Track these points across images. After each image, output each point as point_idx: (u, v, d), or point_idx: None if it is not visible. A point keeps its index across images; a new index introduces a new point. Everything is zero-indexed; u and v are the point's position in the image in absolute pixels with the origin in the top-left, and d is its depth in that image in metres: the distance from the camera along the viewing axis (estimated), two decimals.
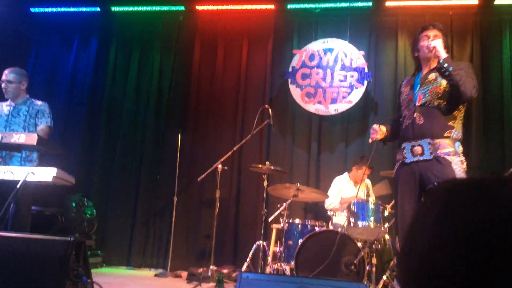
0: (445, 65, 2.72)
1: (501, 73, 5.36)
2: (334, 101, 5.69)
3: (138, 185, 5.98)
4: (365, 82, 5.65)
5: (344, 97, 5.68)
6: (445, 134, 2.78)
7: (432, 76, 2.90)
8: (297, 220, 4.63)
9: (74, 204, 5.38)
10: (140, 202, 5.94)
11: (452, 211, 0.74)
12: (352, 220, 4.37)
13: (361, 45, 5.77)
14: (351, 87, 5.68)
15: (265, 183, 4.74)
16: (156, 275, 5.07)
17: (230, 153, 4.74)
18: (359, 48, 5.73)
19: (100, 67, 6.40)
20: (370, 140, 3.09)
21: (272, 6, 6.06)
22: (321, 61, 5.80)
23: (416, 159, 2.80)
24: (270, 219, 4.70)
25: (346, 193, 5.03)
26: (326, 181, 5.38)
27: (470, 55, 5.48)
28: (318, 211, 5.59)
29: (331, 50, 5.80)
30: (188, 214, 5.78)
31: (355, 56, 5.71)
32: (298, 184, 4.59)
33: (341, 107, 5.67)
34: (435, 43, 2.80)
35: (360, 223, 4.27)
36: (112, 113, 6.24)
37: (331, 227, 4.44)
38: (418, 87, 2.90)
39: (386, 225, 4.32)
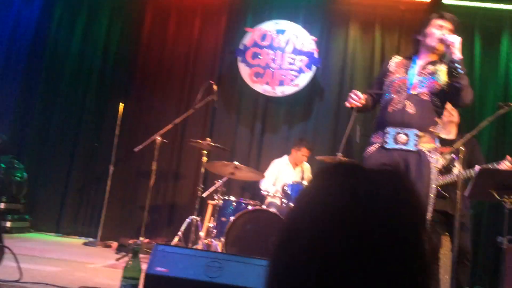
0: (459, 66, 2.61)
1: None
2: (281, 83, 5.71)
3: (74, 151, 5.80)
4: (314, 68, 5.70)
5: (292, 80, 5.71)
6: (430, 129, 2.75)
7: (431, 68, 2.80)
8: (232, 198, 4.65)
9: (3, 166, 5.15)
10: (75, 168, 5.77)
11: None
12: (285, 201, 4.46)
13: (313, 30, 5.79)
14: (300, 71, 5.71)
15: (204, 159, 4.71)
16: (84, 244, 4.97)
17: (170, 126, 4.66)
18: (311, 33, 5.75)
19: (43, 25, 6.09)
20: (347, 104, 2.87)
21: None
22: (273, 42, 5.78)
23: (398, 146, 2.72)
24: (204, 195, 4.69)
25: (284, 176, 5.10)
26: (266, 162, 5.42)
27: None
28: (256, 191, 5.63)
29: (283, 32, 5.78)
30: (125, 185, 5.67)
31: (306, 40, 5.73)
32: (236, 162, 4.60)
33: (288, 89, 5.70)
34: (455, 39, 2.64)
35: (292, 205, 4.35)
36: (52, 75, 5.98)
37: (264, 207, 4.49)
38: (415, 75, 2.79)
39: None
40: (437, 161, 2.74)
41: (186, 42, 5.98)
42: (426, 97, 2.71)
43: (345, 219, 0.66)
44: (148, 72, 5.97)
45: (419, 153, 2.68)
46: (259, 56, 5.76)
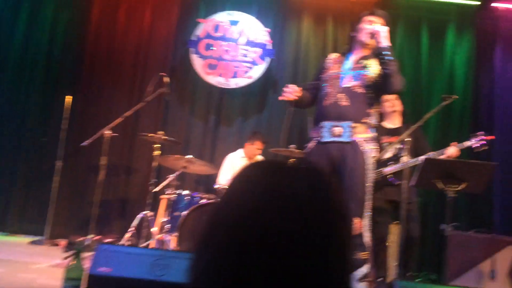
0: (388, 52, 2.72)
1: None
2: (235, 75, 5.67)
3: (19, 146, 5.55)
4: (267, 59, 5.69)
5: (245, 72, 5.68)
6: (364, 120, 2.83)
7: (364, 62, 2.89)
8: (185, 192, 4.59)
9: None
10: (20, 164, 5.52)
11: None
12: None
13: (267, 22, 5.77)
14: (253, 62, 5.69)
15: (156, 152, 4.62)
16: (31, 243, 4.78)
17: (119, 119, 4.52)
18: (265, 25, 5.74)
19: None
20: (280, 98, 2.93)
21: None
22: (226, 33, 5.72)
23: (333, 139, 2.79)
24: (155, 190, 4.61)
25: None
26: (221, 155, 5.38)
27: None
28: (211, 184, 5.59)
29: (236, 23, 5.73)
30: (74, 180, 5.49)
31: (260, 32, 5.71)
32: (189, 156, 4.54)
33: (242, 81, 5.67)
34: (381, 28, 2.77)
35: None
36: None
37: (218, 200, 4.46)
38: (348, 69, 2.88)
39: None
40: (372, 150, 2.82)
41: (136, 33, 5.82)
42: (358, 90, 2.81)
43: (262, 215, 0.67)
44: (97, 64, 5.77)
45: (354, 143, 2.77)
46: (212, 47, 5.68)
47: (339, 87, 2.83)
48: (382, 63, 2.75)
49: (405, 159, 3.78)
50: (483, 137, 3.62)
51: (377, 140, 2.96)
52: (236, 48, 5.70)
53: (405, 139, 3.77)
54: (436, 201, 5.22)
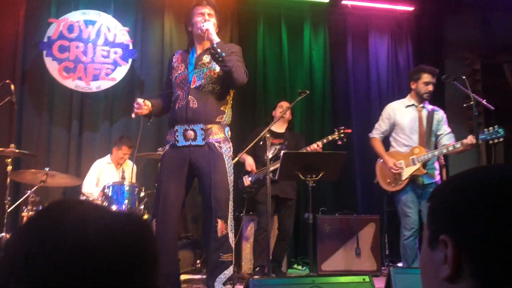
0: (218, 50, 2.63)
1: (256, 62, 5.78)
2: (96, 77, 5.35)
3: None
4: (130, 60, 5.47)
5: (107, 74, 5.39)
6: (217, 120, 2.79)
7: (206, 58, 2.85)
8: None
9: None
10: None
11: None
12: (106, 204, 4.21)
13: (126, 21, 5.53)
14: (115, 64, 5.42)
15: (9, 168, 4.18)
16: None
17: None
18: (124, 24, 5.49)
19: None
20: (133, 115, 2.86)
21: None
22: (82, 33, 5.36)
23: (188, 143, 2.75)
24: (9, 210, 4.17)
25: (106, 176, 4.83)
26: (88, 162, 5.07)
27: (229, 42, 5.78)
28: (78, 196, 5.24)
29: (93, 22, 5.40)
30: None
31: (119, 32, 5.45)
32: (47, 169, 4.20)
33: (104, 84, 5.38)
34: (207, 25, 2.68)
35: (114, 207, 4.15)
36: None
37: None
38: (193, 68, 2.81)
39: (142, 206, 4.32)
40: (228, 149, 2.83)
41: None
42: (206, 89, 2.78)
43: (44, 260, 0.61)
44: None
45: (208, 146, 2.75)
46: (67, 49, 5.29)
47: (188, 89, 2.78)
48: (218, 61, 2.72)
49: None
50: (342, 131, 3.94)
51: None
52: (95, 49, 5.38)
53: (286, 141, 4.41)
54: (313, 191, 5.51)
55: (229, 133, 2.89)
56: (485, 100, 3.49)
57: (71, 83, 5.27)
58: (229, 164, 2.80)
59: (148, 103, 2.84)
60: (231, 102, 2.93)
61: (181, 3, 5.72)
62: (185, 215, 5.36)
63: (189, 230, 5.35)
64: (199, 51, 2.88)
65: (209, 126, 2.76)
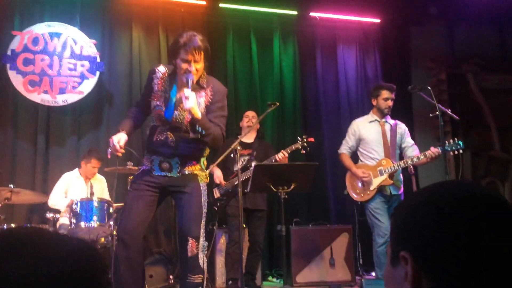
0: (199, 129, 2.63)
1: (226, 73, 5.78)
2: (63, 91, 5.23)
3: None
4: (98, 73, 5.37)
5: (74, 87, 5.27)
6: (194, 154, 2.82)
7: (190, 103, 2.69)
8: (12, 225, 4.10)
9: None
10: None
11: None
12: (74, 221, 4.09)
13: (93, 33, 5.44)
14: (82, 76, 5.31)
15: None
16: None
17: None
18: (91, 36, 5.39)
19: None
20: (108, 155, 2.82)
21: None
22: (47, 46, 5.24)
23: (163, 174, 2.78)
24: None
25: (75, 189, 4.71)
26: (55, 177, 4.92)
27: None
28: (45, 213, 5.08)
29: (58, 35, 5.28)
30: None
31: (86, 44, 5.35)
32: (11, 186, 4.06)
33: (71, 97, 5.26)
34: (189, 104, 2.52)
35: (83, 224, 4.04)
36: None
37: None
38: (173, 109, 2.76)
39: (111, 222, 4.21)
40: (204, 176, 2.86)
41: None
42: (186, 130, 2.75)
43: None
44: None
45: (183, 176, 2.79)
46: (32, 62, 5.16)
47: (167, 125, 2.76)
48: (195, 133, 2.70)
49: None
50: (305, 139, 3.99)
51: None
52: (61, 62, 5.26)
53: (254, 151, 4.42)
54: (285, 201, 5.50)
55: (205, 163, 2.93)
56: (450, 110, 3.60)
57: (37, 97, 5.13)
58: (203, 187, 2.82)
59: (122, 143, 2.72)
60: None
61: (149, 14, 5.69)
62: (158, 230, 5.27)
63: (162, 245, 5.25)
64: (179, 91, 2.78)
65: (184, 159, 2.79)
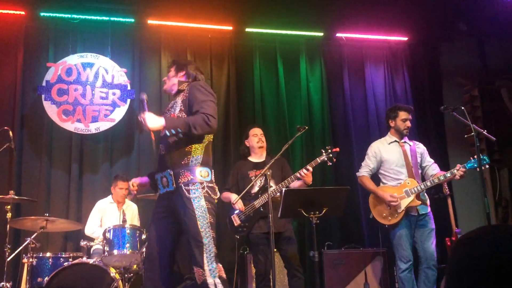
0: (172, 131, 2.67)
1: (253, 96, 5.82)
2: (95, 119, 5.36)
3: None
4: (128, 100, 5.48)
5: (106, 115, 5.40)
6: (183, 162, 2.77)
7: (170, 104, 2.97)
8: (48, 254, 4.17)
9: None
10: None
11: None
12: (107, 248, 4.13)
13: (123, 62, 5.59)
14: (114, 104, 5.44)
15: (8, 215, 4.13)
16: None
17: None
18: (121, 65, 5.54)
19: None
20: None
21: (22, 12, 5.40)
22: (80, 76, 5.40)
23: (165, 190, 2.81)
24: (9, 258, 4.08)
25: (109, 216, 4.78)
26: (89, 204, 5.03)
27: (227, 77, 5.83)
28: (79, 240, 5.16)
29: (90, 65, 5.44)
30: None
31: (117, 73, 5.49)
32: (47, 215, 4.15)
33: (103, 125, 5.38)
34: (148, 124, 2.68)
35: (116, 251, 4.07)
36: None
37: (84, 259, 4.11)
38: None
39: (144, 249, 4.22)
40: (199, 191, 2.77)
41: None
42: (170, 136, 2.76)
43: None
44: None
45: (178, 191, 2.77)
46: (66, 92, 5.32)
47: (160, 137, 2.87)
48: (176, 135, 2.75)
49: (272, 188, 3.89)
50: (329, 150, 3.84)
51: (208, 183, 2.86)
52: (93, 91, 5.40)
53: (269, 171, 3.84)
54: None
55: (202, 172, 2.80)
56: (486, 130, 3.48)
57: (70, 126, 5.27)
58: (200, 206, 2.73)
59: (135, 184, 3.01)
60: (205, 144, 2.88)
61: (177, 41, 5.81)
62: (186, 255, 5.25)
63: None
64: (171, 100, 3.04)
65: (176, 170, 2.76)
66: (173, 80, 3.07)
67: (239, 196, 3.80)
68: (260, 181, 4.06)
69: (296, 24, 5.94)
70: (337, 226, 5.60)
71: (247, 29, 5.86)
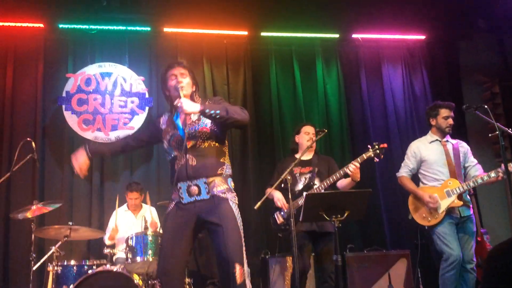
0: (212, 112, 2.59)
1: (270, 100, 5.82)
2: (115, 127, 5.42)
3: None
4: (147, 108, 5.54)
5: (125, 124, 5.46)
6: (218, 172, 2.75)
7: (194, 116, 2.78)
8: (72, 262, 4.22)
9: None
10: None
11: None
12: (130, 255, 4.16)
13: (141, 70, 5.65)
14: (133, 112, 5.50)
15: (33, 224, 4.20)
16: None
17: None
18: (139, 73, 5.60)
19: None
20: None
21: (41, 25, 5.51)
22: (99, 86, 5.48)
23: (193, 199, 2.71)
24: (35, 267, 4.14)
25: (125, 224, 4.83)
26: (111, 211, 5.07)
27: (243, 82, 5.84)
28: (102, 248, 5.22)
29: (109, 74, 5.52)
30: None
31: (135, 81, 5.55)
32: (71, 223, 4.20)
33: (123, 133, 5.43)
34: (183, 102, 2.57)
35: (139, 258, 4.10)
36: None
37: (108, 266, 4.14)
38: (183, 128, 2.76)
39: None
40: (234, 197, 2.77)
41: None
42: (203, 146, 2.73)
43: None
44: None
45: (213, 198, 2.70)
46: (85, 102, 5.39)
47: (185, 149, 2.73)
48: (214, 119, 2.68)
49: (316, 185, 3.94)
50: (377, 146, 3.75)
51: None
52: (112, 100, 5.47)
53: (315, 167, 4.01)
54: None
55: (232, 184, 2.83)
56: (511, 129, 3.39)
57: (91, 135, 5.34)
58: (236, 210, 2.74)
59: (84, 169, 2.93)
60: (228, 153, 2.88)
61: (193, 47, 5.85)
62: (210, 261, 5.27)
63: (215, 275, 5.25)
64: (182, 115, 2.79)
65: (211, 179, 2.71)
66: (188, 87, 2.85)
67: (273, 187, 3.73)
68: (304, 179, 4.05)
69: (311, 27, 5.93)
70: (358, 228, 5.55)
71: (262, 33, 5.88)
